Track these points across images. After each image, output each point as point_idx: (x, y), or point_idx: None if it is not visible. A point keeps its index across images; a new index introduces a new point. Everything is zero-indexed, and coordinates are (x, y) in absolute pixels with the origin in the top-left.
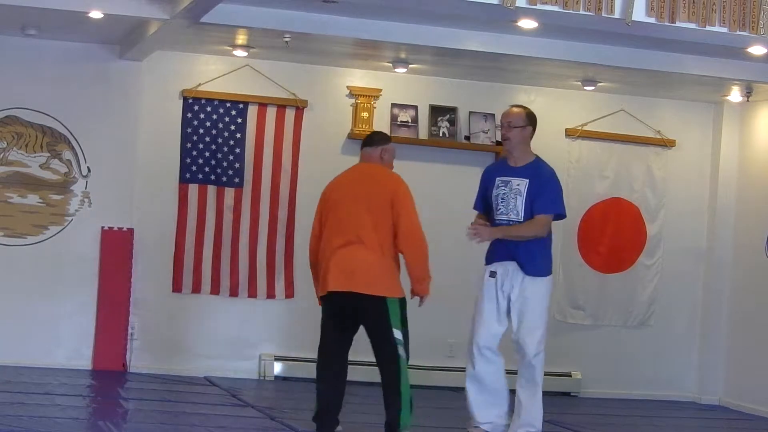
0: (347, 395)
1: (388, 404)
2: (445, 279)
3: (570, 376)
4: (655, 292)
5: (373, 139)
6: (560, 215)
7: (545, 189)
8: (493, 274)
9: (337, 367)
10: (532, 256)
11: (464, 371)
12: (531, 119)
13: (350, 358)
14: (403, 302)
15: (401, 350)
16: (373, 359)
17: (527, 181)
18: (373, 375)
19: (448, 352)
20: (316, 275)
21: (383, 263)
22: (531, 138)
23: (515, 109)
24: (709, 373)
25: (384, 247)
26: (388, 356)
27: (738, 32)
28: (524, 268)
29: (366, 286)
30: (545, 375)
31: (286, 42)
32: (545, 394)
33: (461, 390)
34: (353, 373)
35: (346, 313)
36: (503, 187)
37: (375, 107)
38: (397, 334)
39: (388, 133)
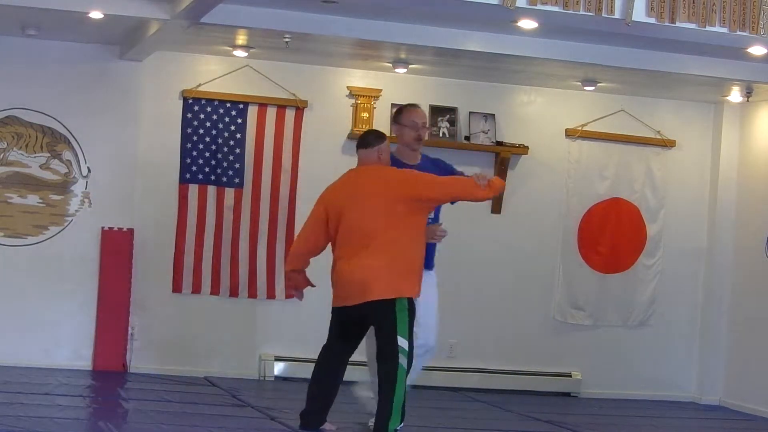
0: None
1: (380, 407)
2: (444, 279)
3: (570, 376)
4: (655, 293)
5: (367, 141)
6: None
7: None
8: None
9: (336, 371)
10: None
11: (465, 372)
12: None
13: (354, 358)
14: (409, 303)
15: (402, 359)
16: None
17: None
18: None
19: (449, 353)
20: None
21: (392, 267)
22: None
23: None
24: (709, 373)
25: (396, 248)
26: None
27: (738, 32)
28: None
29: (375, 292)
30: (545, 375)
31: (286, 42)
32: (546, 394)
33: (461, 390)
34: (354, 374)
35: (353, 321)
36: None
37: (375, 107)
38: (402, 342)
39: (388, 134)
